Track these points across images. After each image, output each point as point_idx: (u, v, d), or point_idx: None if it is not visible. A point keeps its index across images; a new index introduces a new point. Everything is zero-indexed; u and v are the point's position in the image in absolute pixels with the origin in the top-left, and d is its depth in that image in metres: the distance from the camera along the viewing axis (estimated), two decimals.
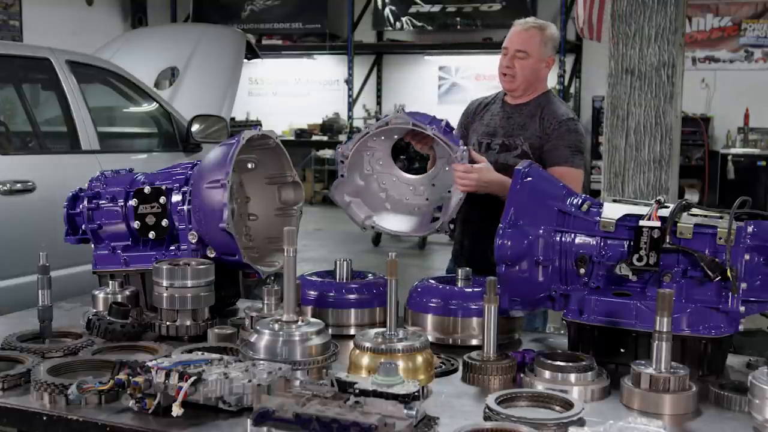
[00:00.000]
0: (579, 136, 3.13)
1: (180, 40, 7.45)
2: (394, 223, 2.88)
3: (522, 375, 1.92)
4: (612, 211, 2.06)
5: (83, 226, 2.58)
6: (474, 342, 2.21)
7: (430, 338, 2.12)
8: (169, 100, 6.17)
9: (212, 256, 2.39)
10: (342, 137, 12.48)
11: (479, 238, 3.16)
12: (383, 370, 1.67)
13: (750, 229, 1.93)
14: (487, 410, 1.67)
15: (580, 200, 2.11)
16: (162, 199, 2.45)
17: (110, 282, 2.40)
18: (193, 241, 2.41)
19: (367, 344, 1.89)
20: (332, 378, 1.69)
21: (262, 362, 1.78)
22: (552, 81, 12.55)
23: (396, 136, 2.83)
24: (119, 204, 2.52)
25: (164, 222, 2.46)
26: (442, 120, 2.75)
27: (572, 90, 12.97)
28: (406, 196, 2.93)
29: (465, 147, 2.71)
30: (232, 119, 9.38)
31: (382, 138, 2.79)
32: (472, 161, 2.78)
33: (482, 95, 3.47)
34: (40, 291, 2.16)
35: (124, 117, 6.38)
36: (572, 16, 12.44)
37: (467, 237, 3.23)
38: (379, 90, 14.51)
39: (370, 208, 2.85)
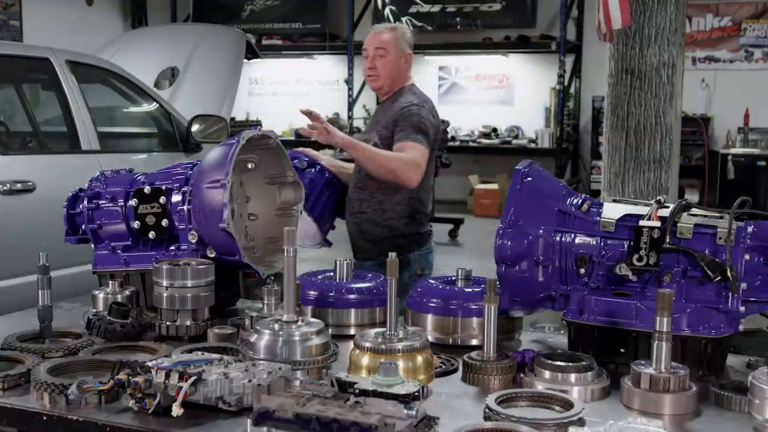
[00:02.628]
0: (420, 117, 3.44)
1: (180, 40, 7.45)
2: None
3: (522, 375, 1.92)
4: (612, 211, 2.06)
5: (83, 226, 2.57)
6: (474, 342, 2.21)
7: (430, 338, 2.12)
8: (169, 100, 6.17)
9: (212, 256, 2.39)
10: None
11: (349, 229, 3.63)
12: (383, 370, 1.68)
13: (750, 229, 1.93)
14: (487, 410, 1.67)
15: (580, 200, 2.11)
16: (162, 199, 2.45)
17: (110, 282, 2.39)
18: (193, 241, 2.41)
19: (367, 344, 1.89)
20: (332, 378, 1.69)
21: (262, 362, 1.78)
22: (552, 81, 12.61)
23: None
24: (119, 204, 2.52)
25: (164, 222, 2.46)
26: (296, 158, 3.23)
27: (572, 90, 12.96)
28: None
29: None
30: (232, 119, 9.38)
31: None
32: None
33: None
34: (40, 291, 2.16)
35: (124, 117, 6.38)
36: (572, 16, 12.45)
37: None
38: None
39: None
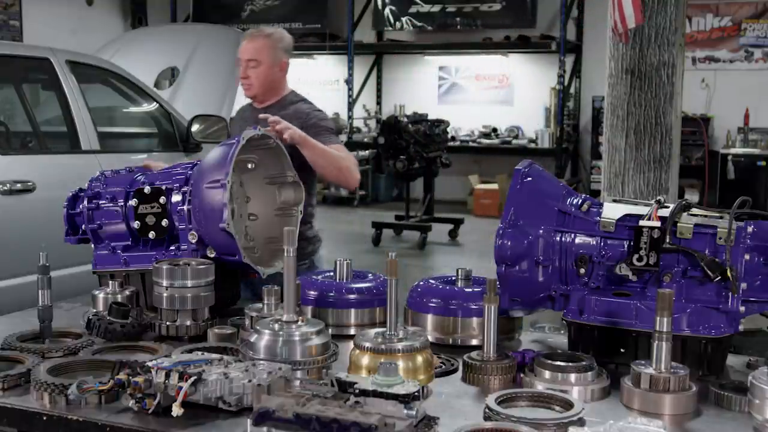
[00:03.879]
0: (328, 122, 3.56)
1: (180, 40, 7.47)
2: None
3: (522, 375, 1.92)
4: (612, 211, 2.06)
5: (83, 226, 2.57)
6: (474, 342, 2.21)
7: (430, 338, 2.12)
8: (169, 100, 6.17)
9: (212, 256, 2.39)
10: (342, 137, 12.49)
11: None
12: (383, 370, 1.67)
13: (750, 229, 1.93)
14: (487, 410, 1.67)
15: (580, 200, 2.11)
16: (162, 199, 2.45)
17: (110, 282, 2.39)
18: (193, 241, 2.41)
19: (367, 344, 1.89)
20: (332, 378, 1.69)
21: (262, 362, 1.78)
22: (552, 81, 12.61)
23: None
24: (119, 204, 2.52)
25: (164, 222, 2.46)
26: None
27: (572, 90, 12.97)
28: None
29: None
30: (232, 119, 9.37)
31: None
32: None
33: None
34: (40, 291, 2.16)
35: (124, 117, 6.39)
36: (572, 16, 12.45)
37: None
38: (379, 90, 14.53)
39: None
